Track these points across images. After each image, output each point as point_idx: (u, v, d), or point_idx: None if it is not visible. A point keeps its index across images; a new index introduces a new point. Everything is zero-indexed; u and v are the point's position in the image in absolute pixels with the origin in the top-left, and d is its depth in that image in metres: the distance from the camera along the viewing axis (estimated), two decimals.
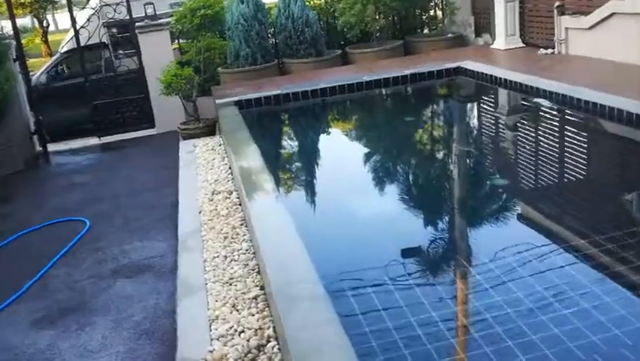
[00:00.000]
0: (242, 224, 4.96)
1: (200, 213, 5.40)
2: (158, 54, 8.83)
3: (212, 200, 5.64)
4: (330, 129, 8.95)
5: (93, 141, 9.27)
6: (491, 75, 8.41)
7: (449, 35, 11.15)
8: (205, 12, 8.55)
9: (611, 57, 7.94)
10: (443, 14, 12.02)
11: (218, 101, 8.61)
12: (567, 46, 8.91)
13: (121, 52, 10.44)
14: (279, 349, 3.20)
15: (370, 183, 5.99)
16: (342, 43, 11.59)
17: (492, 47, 10.23)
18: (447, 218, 5.20)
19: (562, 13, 8.93)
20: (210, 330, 3.52)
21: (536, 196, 5.28)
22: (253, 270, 4.14)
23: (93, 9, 9.56)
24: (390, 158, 7.00)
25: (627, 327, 3.10)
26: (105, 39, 9.83)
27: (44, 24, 21.59)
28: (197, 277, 4.20)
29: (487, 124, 7.81)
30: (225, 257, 4.40)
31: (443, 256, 4.39)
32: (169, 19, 9.26)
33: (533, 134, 6.95)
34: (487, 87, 8.61)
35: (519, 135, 7.15)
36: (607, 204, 4.86)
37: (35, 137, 8.92)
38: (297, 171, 6.91)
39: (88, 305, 4.22)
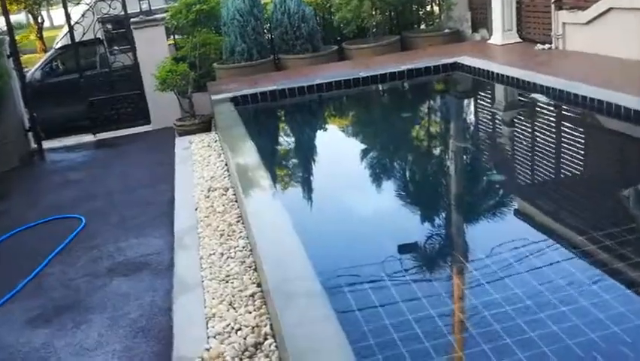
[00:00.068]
0: (238, 221, 4.93)
1: (196, 210, 5.37)
2: (153, 50, 8.78)
3: (208, 197, 5.61)
4: (326, 125, 8.92)
5: (88, 137, 9.24)
6: (488, 71, 8.38)
7: (446, 31, 11.13)
8: (200, 7, 8.52)
9: (608, 52, 7.93)
10: (440, 10, 11.99)
11: (213, 97, 8.56)
12: (564, 41, 8.89)
13: (116, 48, 10.40)
14: (276, 346, 3.18)
15: (367, 179, 5.97)
16: (339, 38, 11.54)
17: (489, 42, 10.20)
18: (444, 214, 5.19)
19: (559, 7, 8.91)
20: (207, 328, 3.49)
21: (533, 192, 5.26)
22: (250, 267, 4.12)
23: (88, 4, 9.50)
24: (387, 154, 6.98)
25: (626, 324, 3.08)
26: (100, 35, 9.80)
27: (39, 20, 21.51)
28: (194, 275, 4.18)
29: (484, 120, 7.79)
30: (222, 254, 4.38)
31: (440, 252, 4.38)
32: (164, 15, 9.21)
33: (530, 130, 6.94)
34: (484, 83, 8.58)
35: (516, 131, 7.14)
36: (604, 200, 4.84)
37: (30, 134, 8.88)
38: (294, 167, 6.88)
39: (83, 303, 4.19)
